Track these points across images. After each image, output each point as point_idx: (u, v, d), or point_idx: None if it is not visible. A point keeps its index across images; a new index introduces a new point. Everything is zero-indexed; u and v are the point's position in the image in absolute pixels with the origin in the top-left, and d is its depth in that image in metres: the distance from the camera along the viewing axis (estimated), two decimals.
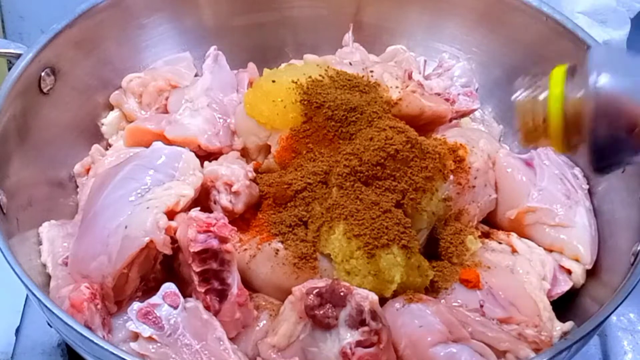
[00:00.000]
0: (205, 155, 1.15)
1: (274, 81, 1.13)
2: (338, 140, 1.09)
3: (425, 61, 1.37)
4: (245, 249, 1.04)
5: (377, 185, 1.03)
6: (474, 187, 1.13)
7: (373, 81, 1.17)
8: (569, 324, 1.04)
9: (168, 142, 1.12)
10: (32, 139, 1.13)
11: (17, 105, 1.10)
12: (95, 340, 0.87)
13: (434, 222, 1.08)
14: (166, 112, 1.24)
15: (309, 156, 1.09)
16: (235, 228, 1.02)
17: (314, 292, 0.91)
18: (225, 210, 1.06)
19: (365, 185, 1.03)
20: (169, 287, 0.96)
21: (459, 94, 1.29)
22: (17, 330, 1.18)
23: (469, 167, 1.13)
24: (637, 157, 0.80)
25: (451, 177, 1.10)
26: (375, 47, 1.37)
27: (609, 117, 0.78)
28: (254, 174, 1.09)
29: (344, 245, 1.00)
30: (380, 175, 1.03)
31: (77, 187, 1.21)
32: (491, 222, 1.18)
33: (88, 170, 1.20)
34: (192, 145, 1.14)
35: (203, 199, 1.07)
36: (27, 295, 1.22)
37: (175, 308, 0.95)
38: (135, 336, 0.94)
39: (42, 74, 1.15)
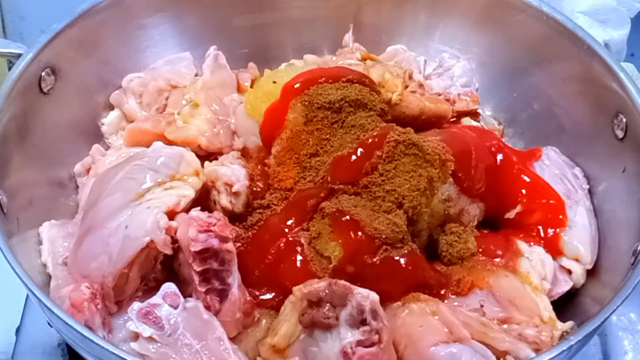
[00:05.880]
0: (206, 155, 1.15)
1: (274, 82, 1.13)
2: (338, 141, 1.09)
3: (425, 61, 1.38)
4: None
5: (377, 187, 1.03)
6: None
7: (375, 81, 1.17)
8: (569, 324, 1.04)
9: (168, 142, 1.12)
10: (32, 139, 1.13)
11: (17, 105, 1.10)
12: (96, 340, 0.87)
13: (434, 222, 1.08)
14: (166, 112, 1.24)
15: (309, 158, 1.09)
16: (236, 227, 1.02)
17: (309, 304, 0.91)
18: (224, 211, 1.06)
19: (365, 187, 1.03)
20: (169, 287, 0.96)
21: (459, 94, 1.30)
22: (18, 330, 1.18)
23: None
24: None
25: (451, 178, 1.10)
26: (375, 47, 1.37)
27: None
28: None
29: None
30: (380, 177, 1.03)
31: (77, 187, 1.21)
32: (491, 222, 1.18)
33: (88, 170, 1.20)
34: (193, 145, 1.14)
35: (203, 199, 1.07)
36: (27, 295, 1.22)
37: (176, 308, 0.95)
38: (136, 336, 0.93)
39: (43, 73, 1.15)
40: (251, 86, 1.28)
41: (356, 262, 1.00)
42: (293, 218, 1.05)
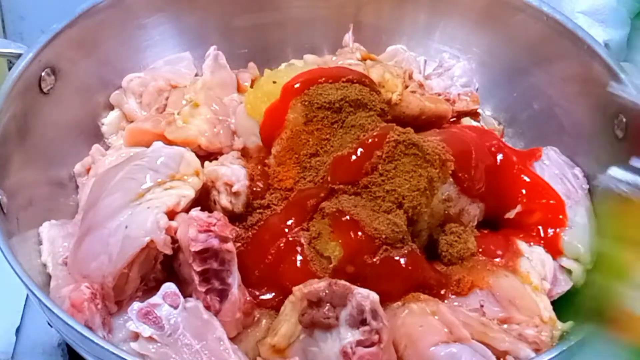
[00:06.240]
0: (206, 155, 1.15)
1: (274, 82, 1.13)
2: (338, 141, 1.09)
3: (425, 61, 1.38)
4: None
5: (377, 187, 1.03)
6: None
7: (375, 81, 1.17)
8: (569, 324, 1.04)
9: (168, 142, 1.12)
10: (32, 139, 1.13)
11: (17, 105, 1.10)
12: (96, 340, 0.87)
13: (434, 222, 1.08)
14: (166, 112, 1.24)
15: (309, 158, 1.09)
16: (236, 227, 1.02)
17: (309, 304, 0.91)
18: (225, 211, 1.06)
19: (365, 187, 1.03)
20: (169, 287, 0.96)
21: (459, 94, 1.30)
22: (18, 330, 1.18)
23: None
24: None
25: (451, 178, 1.10)
26: (375, 47, 1.37)
27: None
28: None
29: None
30: (380, 177, 1.03)
31: (77, 187, 1.20)
32: (491, 222, 1.18)
33: (88, 170, 1.20)
34: (193, 145, 1.14)
35: (203, 199, 1.07)
36: (27, 295, 1.22)
37: (176, 308, 0.95)
38: (136, 336, 0.93)
39: (43, 73, 1.15)
40: (251, 86, 1.28)
41: (356, 262, 1.00)
42: (293, 218, 1.05)
